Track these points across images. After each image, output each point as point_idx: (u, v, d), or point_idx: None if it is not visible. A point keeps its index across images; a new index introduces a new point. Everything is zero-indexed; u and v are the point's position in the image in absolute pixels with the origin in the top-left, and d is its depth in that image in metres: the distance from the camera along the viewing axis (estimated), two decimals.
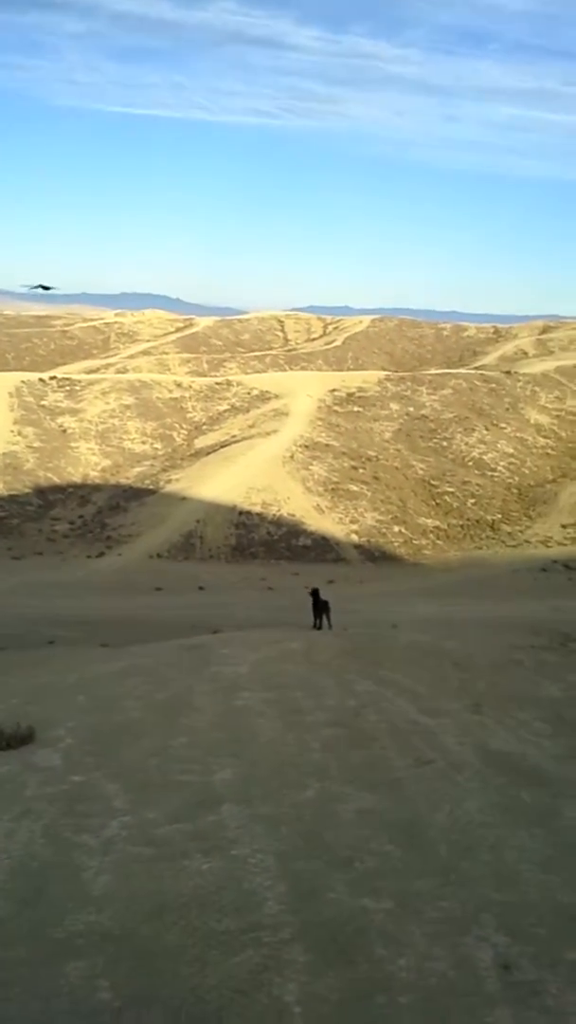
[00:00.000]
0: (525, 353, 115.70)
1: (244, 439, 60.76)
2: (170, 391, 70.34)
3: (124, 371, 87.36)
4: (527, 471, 63.41)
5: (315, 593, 22.92)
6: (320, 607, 22.65)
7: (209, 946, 4.63)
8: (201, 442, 62.83)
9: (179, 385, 71.89)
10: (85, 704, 10.70)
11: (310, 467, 56.22)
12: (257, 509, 50.86)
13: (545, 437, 70.07)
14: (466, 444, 64.36)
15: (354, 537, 50.39)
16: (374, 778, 7.34)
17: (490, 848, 5.74)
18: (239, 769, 7.56)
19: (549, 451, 68.39)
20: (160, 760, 7.87)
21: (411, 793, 6.96)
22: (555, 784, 7.26)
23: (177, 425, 65.46)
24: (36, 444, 57.41)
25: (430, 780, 7.31)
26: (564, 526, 55.84)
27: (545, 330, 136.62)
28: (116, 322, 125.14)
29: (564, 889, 5.10)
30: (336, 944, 4.54)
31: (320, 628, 22.20)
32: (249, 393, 70.53)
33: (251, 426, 63.77)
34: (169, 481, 55.05)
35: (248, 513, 50.62)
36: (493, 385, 76.86)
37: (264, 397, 69.71)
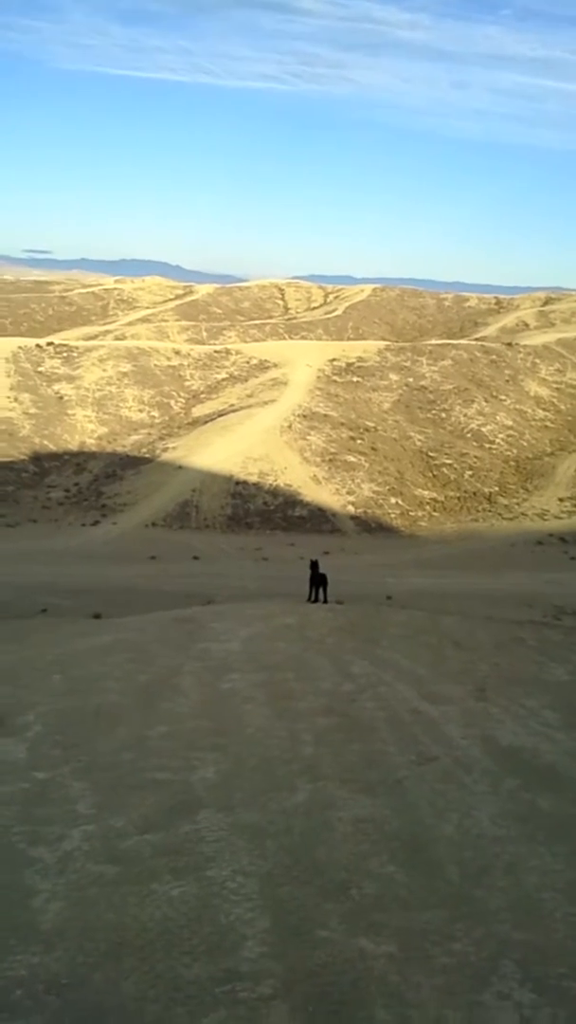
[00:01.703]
0: (526, 325, 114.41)
1: (242, 408, 59.78)
2: (168, 359, 69.32)
3: (122, 338, 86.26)
4: (525, 444, 62.63)
5: (314, 565, 22.24)
6: (318, 580, 22.05)
7: (174, 1001, 3.82)
8: (199, 411, 61.93)
9: (177, 353, 70.74)
10: (61, 685, 9.91)
11: (308, 437, 55.36)
12: (254, 479, 50.09)
13: (544, 410, 69.24)
14: (465, 416, 63.48)
15: (351, 508, 49.70)
16: (372, 778, 6.56)
17: (507, 870, 4.95)
18: (222, 766, 6.77)
19: (548, 424, 67.60)
20: (135, 754, 7.07)
21: (414, 798, 6.17)
22: (574, 788, 6.49)
23: (175, 393, 64.45)
24: (32, 411, 56.59)
25: (435, 782, 6.53)
26: (561, 500, 55.23)
27: (547, 302, 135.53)
28: (115, 288, 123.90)
29: None
30: (328, 1002, 3.74)
31: (316, 601, 21.58)
32: (248, 362, 69.45)
33: (249, 395, 62.77)
34: (166, 450, 54.20)
35: (245, 483, 49.91)
36: (493, 357, 75.76)
37: (263, 366, 68.60)
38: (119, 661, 11.40)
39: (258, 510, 48.38)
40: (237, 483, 50.24)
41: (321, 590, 22.02)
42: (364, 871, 4.90)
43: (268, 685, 9.91)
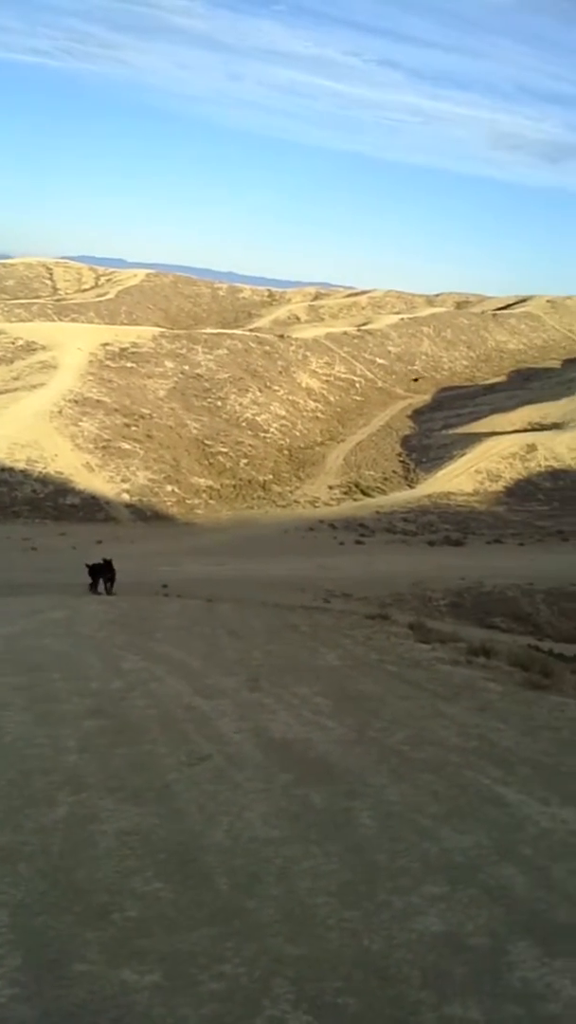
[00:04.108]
0: (298, 318, 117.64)
1: (7, 392, 57.06)
2: None
3: None
4: (298, 433, 64.32)
5: (97, 566, 22.64)
6: (97, 571, 22.46)
7: None
8: None
9: None
10: None
11: (80, 423, 53.76)
12: (21, 466, 47.98)
13: (315, 401, 71.42)
14: (240, 405, 64.19)
15: (125, 496, 48.88)
16: (140, 784, 6.20)
17: (278, 876, 4.75)
18: None
19: (319, 415, 69.80)
20: None
21: (183, 802, 5.88)
22: (345, 779, 6.45)
23: None
24: None
25: (206, 783, 6.28)
26: (331, 487, 57.32)
27: (317, 296, 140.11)
28: None
29: (367, 930, 4.19)
30: None
31: (99, 593, 21.95)
32: (13, 343, 66.35)
33: (15, 378, 59.99)
34: None
35: (11, 470, 47.68)
36: (267, 348, 77.11)
37: (30, 348, 65.77)
38: None
39: (26, 498, 46.44)
40: (3, 470, 47.93)
41: (106, 583, 22.38)
42: (128, 891, 4.54)
43: (30, 688, 9.28)
